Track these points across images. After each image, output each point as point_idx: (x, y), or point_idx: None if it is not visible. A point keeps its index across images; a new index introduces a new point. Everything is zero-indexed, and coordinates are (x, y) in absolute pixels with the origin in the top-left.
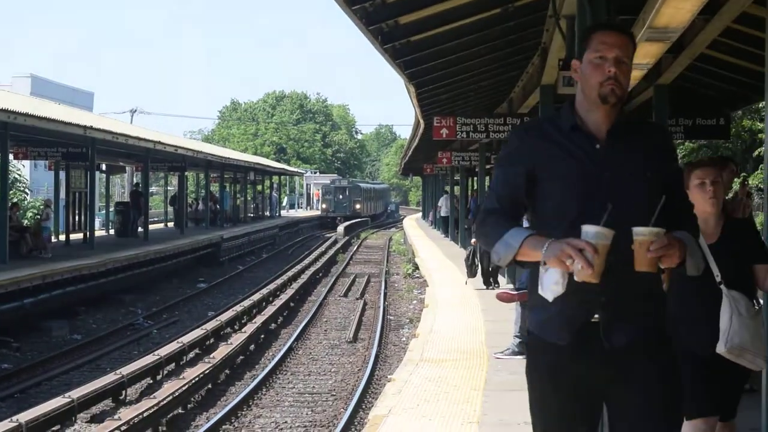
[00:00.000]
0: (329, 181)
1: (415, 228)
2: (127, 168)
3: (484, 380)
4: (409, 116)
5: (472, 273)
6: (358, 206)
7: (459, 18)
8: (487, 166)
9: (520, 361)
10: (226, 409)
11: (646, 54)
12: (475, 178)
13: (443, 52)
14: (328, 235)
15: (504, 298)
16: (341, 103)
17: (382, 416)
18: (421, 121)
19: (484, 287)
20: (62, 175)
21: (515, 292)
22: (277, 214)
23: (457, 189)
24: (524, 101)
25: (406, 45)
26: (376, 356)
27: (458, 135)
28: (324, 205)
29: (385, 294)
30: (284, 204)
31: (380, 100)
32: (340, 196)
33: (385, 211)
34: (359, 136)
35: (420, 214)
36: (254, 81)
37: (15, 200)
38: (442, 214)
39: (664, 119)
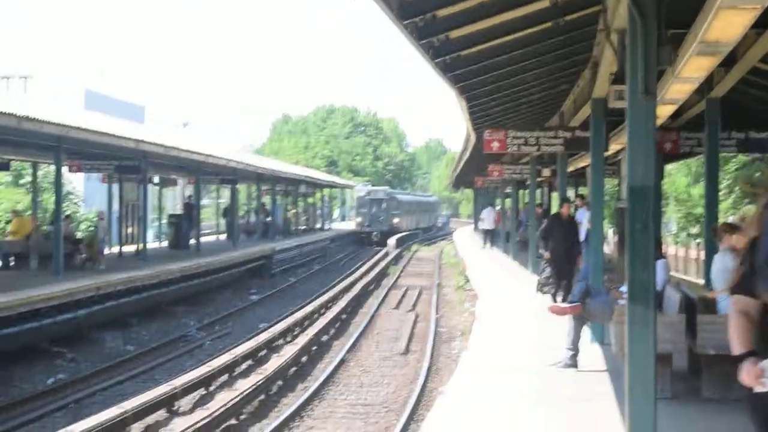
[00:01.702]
0: (364, 193)
1: (466, 241)
2: (179, 181)
3: (535, 393)
4: (460, 129)
5: (550, 290)
6: (396, 220)
7: (509, 32)
8: (538, 179)
9: (572, 374)
10: (279, 420)
11: (698, 68)
12: (526, 191)
13: (494, 66)
14: (377, 248)
15: (557, 311)
16: (391, 117)
17: (435, 428)
18: (472, 134)
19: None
20: (115, 187)
21: (567, 306)
22: (328, 227)
23: (508, 202)
24: (575, 114)
25: (457, 59)
26: (428, 368)
27: (509, 148)
28: (359, 219)
29: (436, 306)
30: (335, 216)
31: (430, 113)
32: (375, 209)
33: (434, 226)
34: (409, 149)
35: (472, 226)
36: (305, 94)
37: (68, 213)
38: (485, 227)
39: (716, 132)
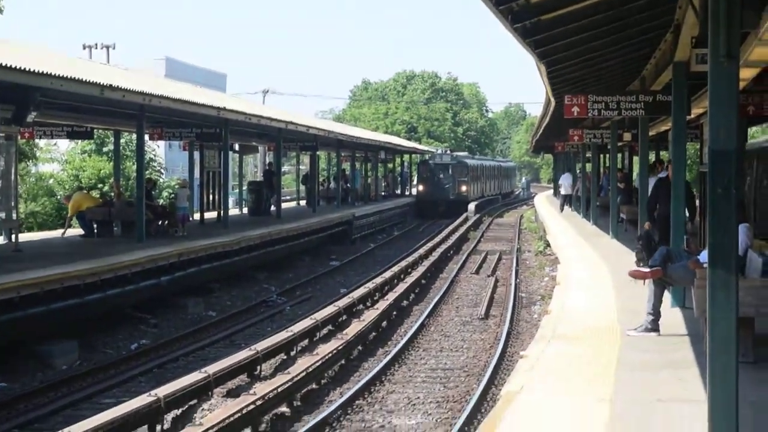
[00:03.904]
0: (427, 157)
1: (546, 205)
2: (259, 148)
3: (616, 358)
4: (539, 94)
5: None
6: (464, 188)
7: None
8: (619, 144)
9: (653, 339)
10: (360, 384)
11: None
12: (607, 156)
13: (574, 30)
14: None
15: (637, 275)
16: (471, 82)
17: (515, 393)
18: (552, 99)
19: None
20: (196, 155)
21: (648, 270)
22: (408, 193)
23: (588, 166)
24: (657, 78)
25: (537, 24)
26: (508, 333)
27: (589, 113)
28: (420, 187)
29: (516, 271)
30: (415, 182)
31: (509, 78)
32: (441, 176)
33: (511, 192)
34: (489, 115)
35: (551, 191)
36: (385, 60)
37: (152, 176)
38: (563, 192)
39: None
